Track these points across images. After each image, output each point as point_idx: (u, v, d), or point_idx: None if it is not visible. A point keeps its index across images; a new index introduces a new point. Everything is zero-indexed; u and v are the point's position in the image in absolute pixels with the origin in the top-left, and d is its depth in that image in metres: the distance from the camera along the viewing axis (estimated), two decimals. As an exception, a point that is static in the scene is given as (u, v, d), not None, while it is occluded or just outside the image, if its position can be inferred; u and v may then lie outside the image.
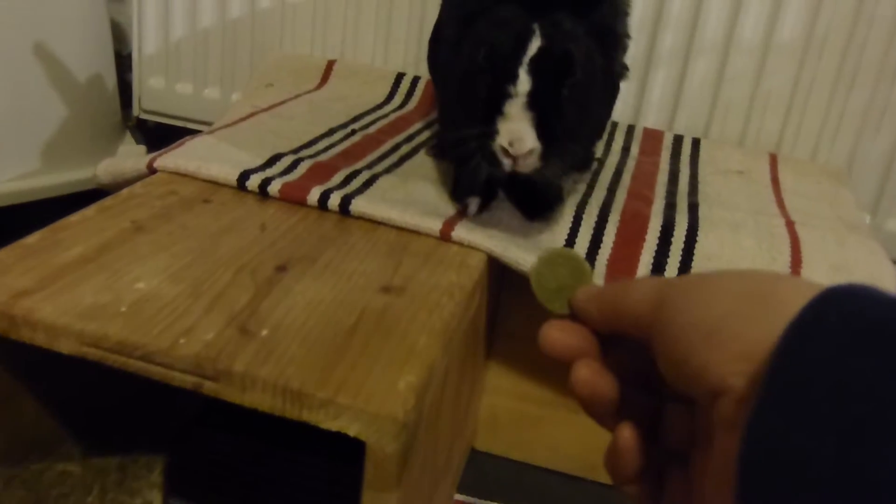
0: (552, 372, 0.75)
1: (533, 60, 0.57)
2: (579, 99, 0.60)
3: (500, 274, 0.69)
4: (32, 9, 0.96)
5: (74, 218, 0.60)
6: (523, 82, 0.57)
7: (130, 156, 1.07)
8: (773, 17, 0.96)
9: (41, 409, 0.57)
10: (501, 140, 0.58)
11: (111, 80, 1.10)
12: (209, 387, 0.45)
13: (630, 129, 0.99)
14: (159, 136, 1.19)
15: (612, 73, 0.71)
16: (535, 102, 0.57)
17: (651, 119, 1.02)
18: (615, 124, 0.99)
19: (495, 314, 0.75)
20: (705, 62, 0.99)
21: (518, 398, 0.78)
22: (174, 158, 0.71)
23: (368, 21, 1.07)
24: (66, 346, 0.47)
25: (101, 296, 0.50)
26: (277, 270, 0.56)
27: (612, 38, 0.70)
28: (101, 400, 0.62)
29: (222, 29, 1.11)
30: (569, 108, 0.59)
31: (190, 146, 0.74)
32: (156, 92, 1.16)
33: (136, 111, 1.17)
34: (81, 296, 0.50)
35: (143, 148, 1.12)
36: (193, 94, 1.15)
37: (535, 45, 0.58)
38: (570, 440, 0.78)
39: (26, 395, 0.56)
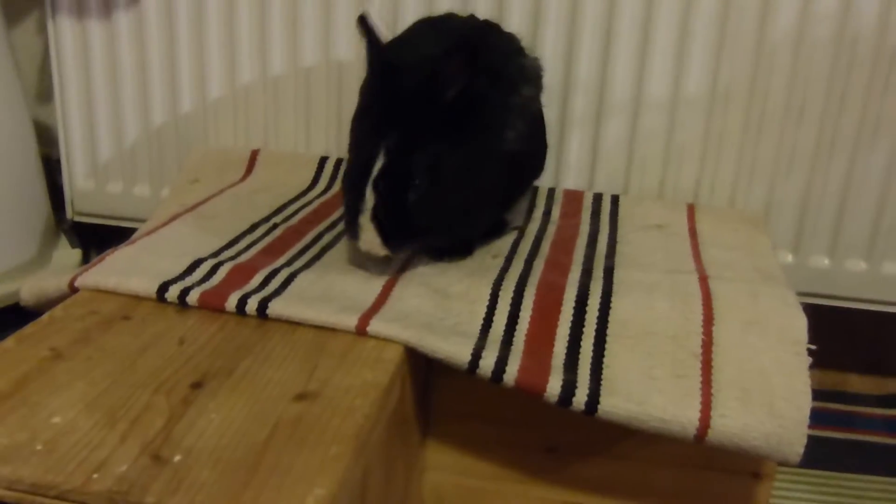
0: (493, 446, 0.78)
1: (375, 179, 0.72)
2: (433, 196, 0.73)
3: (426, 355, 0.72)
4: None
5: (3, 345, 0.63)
6: (369, 199, 0.72)
7: (63, 262, 1.10)
8: (677, 73, 1.02)
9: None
10: (361, 245, 0.75)
11: (40, 185, 1.13)
12: (124, 521, 0.48)
13: (551, 192, 1.04)
14: (95, 236, 1.21)
15: (494, 146, 0.80)
16: (380, 214, 0.72)
17: (571, 180, 1.07)
18: (536, 189, 1.04)
19: (428, 394, 0.78)
20: (617, 121, 1.04)
21: (460, 473, 0.81)
22: (94, 276, 0.74)
23: (288, 108, 1.11)
24: (-22, 492, 0.49)
25: (17, 435, 0.52)
26: (193, 387, 0.59)
27: (496, 110, 0.79)
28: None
29: (146, 128, 1.15)
30: (418, 210, 0.73)
31: (109, 261, 0.77)
32: (87, 193, 1.19)
33: (69, 214, 1.20)
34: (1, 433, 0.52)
35: (78, 252, 1.15)
36: (123, 194, 1.18)
37: (378, 164, 0.72)
38: (515, 510, 0.81)
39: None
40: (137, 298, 0.72)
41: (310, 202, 0.98)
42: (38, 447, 0.51)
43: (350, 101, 0.91)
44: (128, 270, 0.75)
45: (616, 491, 0.77)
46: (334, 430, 0.55)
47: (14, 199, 1.08)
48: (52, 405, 0.56)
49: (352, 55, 1.06)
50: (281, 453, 0.52)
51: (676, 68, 1.01)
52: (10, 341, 0.65)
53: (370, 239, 0.74)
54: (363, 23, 0.76)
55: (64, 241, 1.17)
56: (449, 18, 0.91)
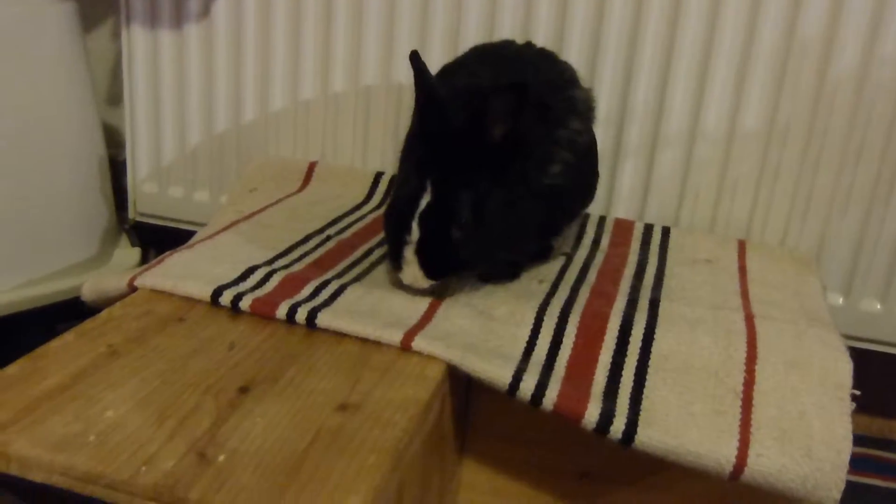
0: (527, 468, 0.79)
1: (421, 214, 0.75)
2: (476, 233, 0.75)
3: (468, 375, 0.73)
4: (25, 116, 1.04)
5: (54, 344, 0.66)
6: (414, 233, 0.75)
7: (123, 260, 1.14)
8: (735, 106, 1.02)
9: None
10: (403, 278, 0.77)
11: (106, 185, 1.17)
12: (169, 514, 0.50)
13: (601, 221, 1.05)
14: (154, 237, 1.26)
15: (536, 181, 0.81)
16: (425, 248, 0.75)
17: (622, 209, 1.07)
18: (587, 216, 1.05)
19: (466, 413, 0.79)
20: (672, 152, 1.05)
21: (494, 494, 0.82)
22: (152, 277, 0.77)
23: (347, 124, 1.14)
24: (37, 476, 0.52)
25: (72, 426, 0.55)
26: (240, 392, 0.61)
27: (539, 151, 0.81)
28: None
29: (209, 136, 1.19)
30: (461, 246, 0.75)
31: (167, 264, 0.80)
32: (149, 196, 1.23)
33: (131, 214, 1.24)
34: (53, 427, 0.55)
35: (137, 251, 1.19)
36: (183, 198, 1.22)
37: (424, 200, 0.75)
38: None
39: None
40: (192, 301, 0.75)
41: (363, 216, 1.01)
42: (91, 438, 0.54)
43: (406, 121, 0.94)
44: (185, 274, 0.78)
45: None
46: (373, 441, 0.57)
47: (80, 197, 1.13)
48: (106, 399, 0.59)
49: (410, 79, 1.09)
50: (320, 461, 0.54)
51: (735, 102, 1.02)
52: (70, 335, 0.68)
53: (413, 272, 0.77)
54: (414, 59, 0.78)
55: (125, 241, 1.21)
56: (504, 47, 0.92)
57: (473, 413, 0.80)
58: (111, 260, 1.17)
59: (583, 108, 0.88)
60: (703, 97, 1.02)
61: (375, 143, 1.14)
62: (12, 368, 0.62)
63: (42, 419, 0.56)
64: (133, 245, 1.22)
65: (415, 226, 0.75)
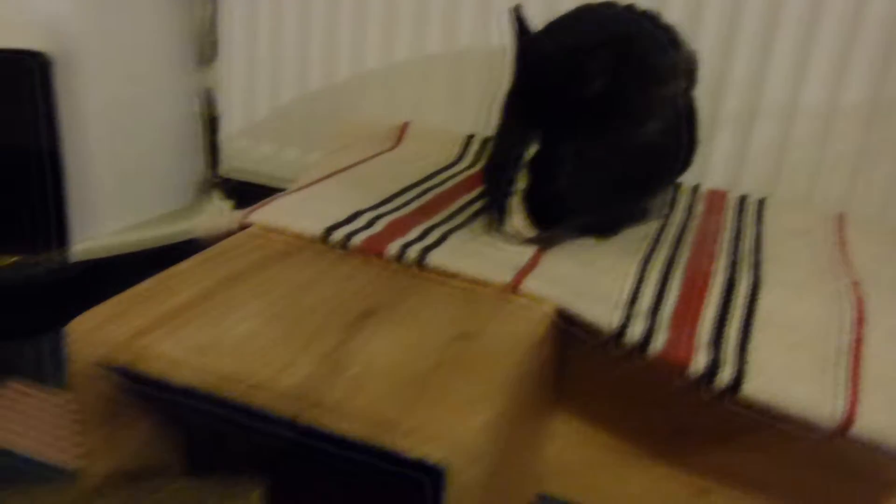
0: (621, 420, 0.81)
1: (527, 164, 0.76)
2: (578, 183, 0.77)
3: (567, 325, 0.75)
4: (128, 71, 1.08)
5: (181, 267, 0.70)
6: (519, 183, 0.76)
7: (219, 211, 1.18)
8: (838, 80, 1.02)
9: (153, 434, 0.65)
10: (507, 229, 0.79)
11: (200, 140, 1.21)
12: (308, 415, 0.53)
13: (694, 190, 1.06)
14: (242, 192, 1.29)
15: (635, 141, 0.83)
16: (530, 197, 0.76)
17: (716, 180, 1.08)
18: (679, 185, 1.06)
19: (563, 363, 0.81)
20: (770, 124, 1.05)
21: (585, 446, 0.84)
22: (264, 215, 0.80)
23: (440, 85, 1.17)
24: (182, 377, 0.55)
25: (209, 335, 0.58)
26: (362, 316, 0.64)
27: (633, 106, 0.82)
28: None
29: (302, 95, 1.22)
30: (565, 195, 0.77)
31: (278, 203, 0.83)
32: (240, 151, 1.27)
33: (222, 169, 1.28)
34: (193, 334, 0.58)
35: (230, 203, 1.23)
36: (274, 155, 1.26)
37: (529, 150, 0.76)
38: (639, 488, 0.83)
39: (141, 421, 0.64)
40: (302, 238, 0.78)
41: (456, 175, 1.03)
42: (228, 346, 0.57)
43: (501, 85, 0.95)
44: (295, 213, 0.81)
45: (737, 481, 0.78)
46: (493, 368, 0.59)
47: (176, 150, 1.17)
48: (236, 315, 0.62)
49: (505, 41, 1.11)
50: (445, 380, 0.56)
51: (838, 75, 1.02)
52: (191, 262, 0.71)
53: (518, 222, 0.78)
54: (515, 13, 0.80)
55: (216, 194, 1.25)
56: (607, 6, 0.94)
57: (567, 365, 0.81)
58: (202, 212, 1.20)
59: (685, 70, 0.90)
60: (804, 69, 1.02)
61: (468, 106, 1.16)
62: (145, 285, 0.66)
63: (180, 327, 0.59)
64: (224, 199, 1.26)
65: (520, 176, 0.77)
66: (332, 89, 1.21)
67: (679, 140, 0.91)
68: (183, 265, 0.70)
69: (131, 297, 0.63)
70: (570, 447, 0.84)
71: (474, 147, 1.12)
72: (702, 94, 1.01)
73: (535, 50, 0.80)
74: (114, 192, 1.09)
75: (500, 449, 0.56)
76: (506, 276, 0.72)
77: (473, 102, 1.16)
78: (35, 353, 1.08)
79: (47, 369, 1.05)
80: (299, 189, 0.90)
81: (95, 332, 0.58)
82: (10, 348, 1.07)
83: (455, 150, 1.12)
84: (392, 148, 1.12)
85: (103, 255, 1.09)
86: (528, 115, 0.78)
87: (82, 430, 0.62)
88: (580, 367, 0.81)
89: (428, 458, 0.51)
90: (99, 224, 1.08)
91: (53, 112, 1.01)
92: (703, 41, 1.05)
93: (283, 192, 0.88)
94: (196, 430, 0.71)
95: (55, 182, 1.02)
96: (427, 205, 0.89)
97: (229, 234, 0.81)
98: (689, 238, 0.89)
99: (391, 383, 0.55)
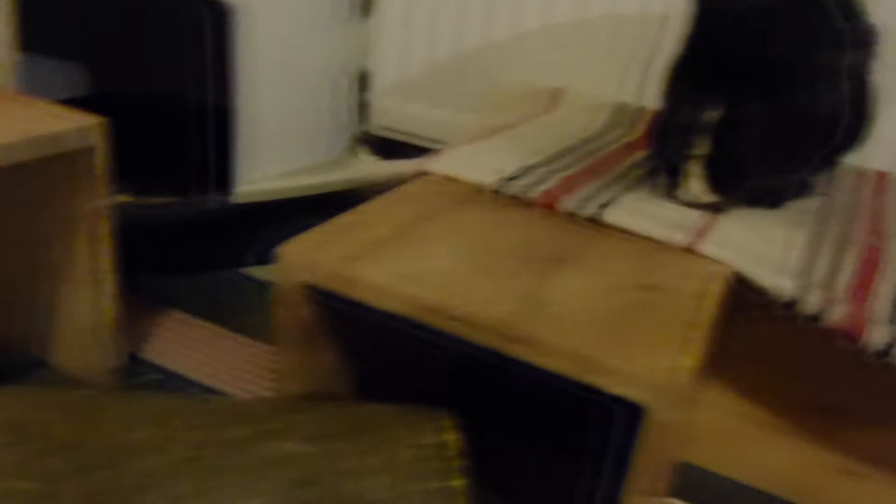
0: (771, 394, 0.82)
1: (709, 129, 0.77)
2: (756, 148, 0.78)
3: (744, 289, 0.76)
4: (293, 24, 1.13)
5: (372, 206, 0.73)
6: (700, 148, 0.78)
7: (366, 165, 1.22)
8: None
9: (335, 362, 0.69)
10: (683, 193, 0.80)
11: (351, 95, 1.25)
12: (512, 348, 0.56)
13: (860, 170, 1.04)
14: (388, 149, 1.33)
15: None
16: (712, 162, 0.78)
17: (885, 161, 1.06)
18: (844, 163, 1.04)
19: (722, 332, 0.82)
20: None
21: (740, 418, 0.85)
22: (442, 164, 0.84)
23: (596, 52, 1.18)
24: (390, 305, 0.59)
25: (413, 266, 0.62)
26: (550, 263, 0.66)
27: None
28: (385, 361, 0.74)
29: (457, 55, 1.25)
30: (745, 160, 0.79)
31: (452, 155, 0.87)
32: (389, 109, 1.31)
33: (370, 126, 1.33)
34: (397, 265, 0.62)
35: (377, 159, 1.27)
36: (422, 114, 1.29)
37: (710, 115, 0.77)
38: (783, 462, 0.84)
39: (327, 350, 0.69)
40: (477, 188, 0.81)
41: (611, 141, 1.04)
42: (432, 278, 0.60)
43: (660, 54, 0.96)
44: (469, 164, 0.84)
45: (882, 464, 0.78)
46: (682, 319, 0.61)
47: (331, 103, 1.21)
48: (433, 251, 0.65)
49: (668, 9, 1.11)
50: (641, 325, 0.58)
51: None
52: (380, 201, 0.75)
53: (697, 186, 0.80)
54: None
55: (365, 149, 1.29)
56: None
57: (726, 335, 0.82)
58: (351, 166, 1.25)
59: (864, 42, 0.88)
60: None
61: (622, 73, 1.17)
62: (343, 219, 0.70)
63: (384, 258, 0.63)
64: (370, 154, 1.30)
65: (699, 141, 0.78)
66: (487, 50, 1.23)
67: (854, 112, 0.90)
68: (373, 204, 0.74)
69: (332, 228, 0.67)
70: (723, 419, 0.85)
71: (628, 115, 1.13)
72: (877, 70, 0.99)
73: (719, 12, 0.80)
74: (275, 140, 1.14)
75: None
76: (681, 237, 0.74)
77: (628, 70, 1.16)
78: (196, 286, 1.15)
79: (205, 302, 1.11)
80: (467, 143, 0.93)
81: (304, 258, 0.62)
82: (174, 281, 1.14)
83: (609, 118, 1.13)
84: (545, 112, 1.14)
85: (262, 198, 1.14)
86: (708, 79, 0.79)
87: (279, 350, 0.66)
88: (738, 337, 0.82)
89: (629, 396, 0.53)
90: (260, 169, 1.14)
91: (226, 59, 1.06)
92: (883, 13, 1.02)
93: (452, 145, 0.91)
94: (374, 361, 0.75)
95: (225, 127, 1.08)
96: (592, 166, 0.91)
97: (401, 181, 0.85)
98: (858, 216, 0.89)
99: (589, 324, 0.57)
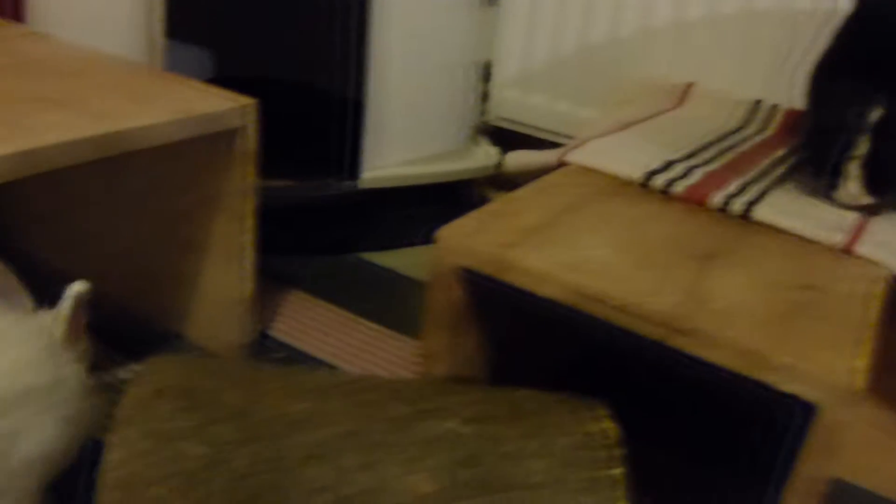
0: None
1: (871, 128, 0.75)
2: None
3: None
4: (425, 11, 1.14)
5: (518, 194, 0.74)
6: (860, 148, 0.76)
7: (486, 156, 1.23)
8: None
9: (478, 347, 0.70)
10: (839, 194, 0.78)
11: (473, 86, 1.26)
12: (677, 340, 0.55)
13: None
14: (506, 141, 1.34)
15: None
16: (873, 162, 0.76)
17: None
18: None
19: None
20: None
21: (872, 425, 0.82)
22: (582, 155, 0.83)
23: (728, 47, 1.16)
24: (548, 291, 0.59)
25: (571, 254, 0.62)
26: (705, 257, 0.66)
27: None
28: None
29: (582, 48, 1.24)
30: None
31: (592, 146, 0.86)
32: (510, 100, 1.31)
33: (490, 116, 1.33)
34: (555, 252, 0.62)
35: (497, 150, 1.27)
36: (544, 106, 1.29)
37: (874, 113, 0.75)
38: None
39: (472, 334, 0.69)
40: (620, 180, 0.81)
41: (747, 139, 1.02)
42: (592, 267, 0.61)
43: (798, 50, 0.94)
44: (610, 156, 0.84)
45: None
46: (850, 320, 0.59)
47: (457, 92, 1.22)
48: (587, 241, 0.65)
49: (809, 4, 1.08)
50: (806, 324, 0.57)
51: None
52: (525, 190, 0.75)
53: (854, 188, 0.77)
54: None
55: (484, 140, 1.30)
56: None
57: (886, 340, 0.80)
58: (472, 155, 1.26)
59: None
60: None
61: (757, 71, 1.15)
62: (493, 206, 0.70)
63: (541, 246, 0.63)
64: (491, 145, 1.30)
65: (860, 141, 0.76)
66: (615, 43, 1.22)
67: None
68: (519, 192, 0.74)
69: (484, 215, 0.68)
70: (880, 436, 0.82)
71: (761, 113, 1.11)
72: None
73: (882, 8, 0.78)
74: (402, 127, 1.16)
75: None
76: (836, 237, 0.72)
77: (764, 66, 1.14)
78: (315, 269, 1.17)
79: (324, 285, 1.14)
80: (603, 136, 0.93)
81: (462, 243, 0.63)
82: (293, 262, 1.17)
83: (741, 115, 1.11)
84: (675, 107, 1.13)
85: (386, 184, 1.16)
86: (869, 78, 0.77)
87: (428, 332, 0.67)
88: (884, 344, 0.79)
89: (802, 395, 0.52)
90: (387, 156, 1.16)
91: (364, 47, 1.08)
92: None
93: (589, 137, 0.91)
94: (513, 347, 0.76)
95: (358, 113, 1.10)
96: (734, 162, 0.89)
97: (537, 170, 0.85)
98: None
99: (754, 320, 0.56)
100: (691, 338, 0.55)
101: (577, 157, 0.83)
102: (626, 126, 0.99)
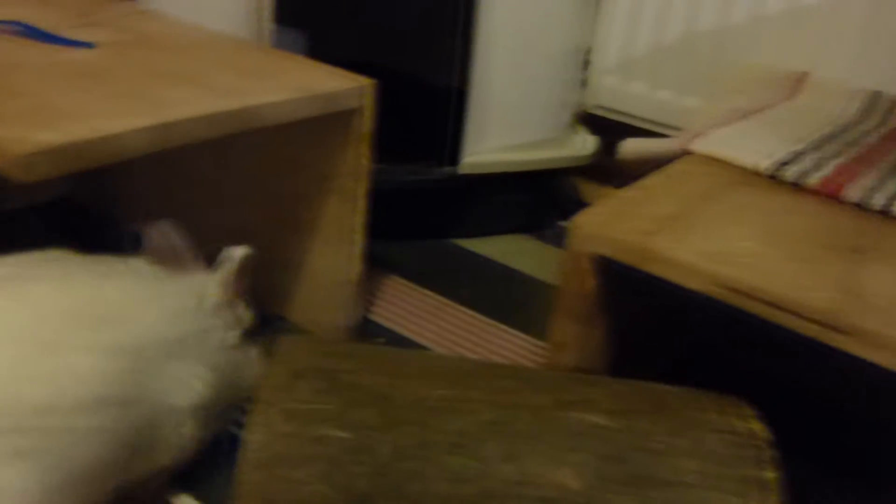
0: None
1: None
2: None
3: None
4: (526, 8, 1.12)
5: (648, 182, 0.72)
6: None
7: (584, 144, 1.21)
8: None
9: (606, 337, 0.69)
10: None
11: (574, 73, 1.24)
12: (835, 338, 0.53)
13: None
14: (602, 128, 1.31)
15: None
16: None
17: None
18: None
19: None
20: None
21: None
22: (707, 144, 0.81)
23: (846, 37, 1.11)
24: (693, 283, 0.57)
25: (714, 245, 0.60)
26: (853, 252, 0.63)
27: None
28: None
29: (688, 34, 1.21)
30: None
31: (717, 135, 0.84)
32: (609, 88, 1.29)
33: (588, 104, 1.31)
34: (700, 243, 0.60)
35: (595, 139, 1.25)
36: (644, 95, 1.26)
37: None
38: None
39: (600, 327, 0.67)
40: (747, 171, 0.78)
41: (870, 131, 0.98)
42: (741, 260, 0.58)
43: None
44: (734, 146, 0.81)
45: None
46: None
47: (558, 80, 1.20)
48: (730, 232, 0.63)
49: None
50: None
51: None
52: (657, 177, 0.73)
53: None
54: None
55: (582, 128, 1.28)
56: None
57: None
58: (570, 143, 1.23)
59: None
60: None
61: (876, 61, 1.10)
62: (625, 193, 0.68)
63: (683, 236, 0.61)
64: (588, 133, 1.28)
65: None
66: (723, 31, 1.19)
67: None
68: (649, 180, 0.72)
69: (617, 201, 0.66)
70: None
71: (881, 105, 1.06)
72: None
73: None
74: (503, 113, 1.14)
75: None
76: None
77: (886, 56, 1.09)
78: (409, 254, 1.16)
79: (422, 269, 1.13)
80: (722, 125, 0.90)
81: (599, 230, 0.61)
82: (394, 247, 1.16)
83: (858, 107, 1.06)
84: (790, 97, 1.09)
85: (485, 170, 1.15)
86: None
87: (557, 321, 0.66)
88: None
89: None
90: (486, 142, 1.14)
91: (469, 31, 1.07)
92: None
93: (711, 126, 0.88)
94: (636, 338, 0.74)
95: (463, 101, 1.09)
96: (863, 155, 0.86)
97: (655, 159, 0.82)
98: None
99: (920, 321, 0.54)
100: (851, 336, 0.52)
101: (702, 145, 0.81)
102: (744, 116, 0.96)
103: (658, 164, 0.82)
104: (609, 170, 1.32)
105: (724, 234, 0.62)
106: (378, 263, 1.12)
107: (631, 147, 0.86)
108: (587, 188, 1.40)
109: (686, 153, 0.81)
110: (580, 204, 1.39)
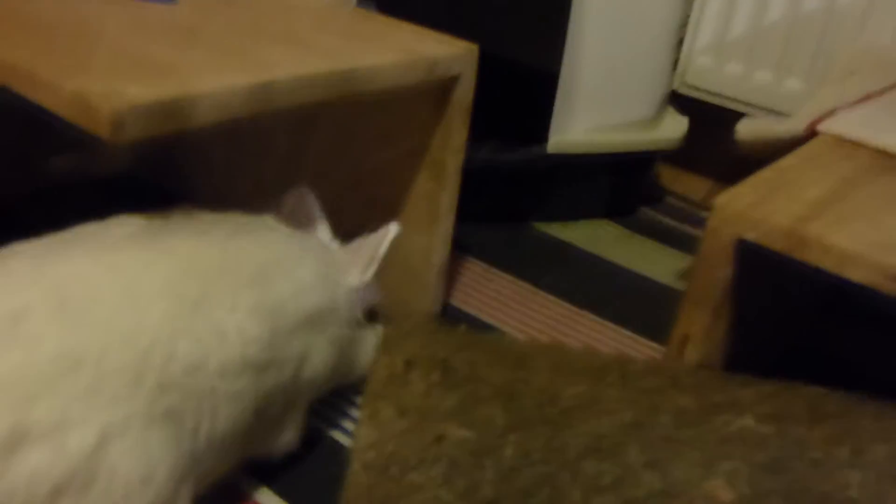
0: None
1: None
2: None
3: None
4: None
5: (786, 163, 0.65)
6: None
7: (673, 127, 1.14)
8: None
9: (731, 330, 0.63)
10: None
11: (670, 52, 1.16)
12: None
13: None
14: (691, 111, 1.24)
15: None
16: None
17: None
18: None
19: None
20: None
21: None
22: (839, 125, 0.74)
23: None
24: (855, 274, 0.51)
25: (878, 234, 0.53)
26: None
27: None
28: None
29: (792, 14, 1.13)
30: None
31: (852, 117, 0.77)
32: (702, 68, 1.21)
33: (678, 84, 1.24)
34: (859, 230, 0.53)
35: (686, 120, 1.18)
36: (741, 76, 1.19)
37: None
38: None
39: (727, 319, 0.61)
40: (886, 153, 0.71)
41: None
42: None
43: None
44: (874, 127, 0.74)
45: None
46: None
47: (650, 60, 1.13)
48: (884, 219, 0.56)
49: None
50: None
51: None
52: (793, 159, 0.67)
53: None
54: None
55: (672, 109, 1.21)
56: None
57: None
58: (660, 125, 1.17)
59: None
60: None
61: None
62: (765, 174, 0.62)
63: (840, 222, 0.55)
64: (680, 115, 1.21)
65: None
66: (830, 10, 1.11)
67: None
68: (785, 162, 0.66)
69: (759, 183, 0.60)
70: None
71: None
72: None
73: None
74: (593, 93, 1.08)
75: None
76: None
77: None
78: (494, 236, 1.11)
79: (504, 253, 1.07)
80: (849, 107, 0.83)
81: (748, 213, 0.55)
82: (474, 230, 1.10)
83: None
84: (906, 80, 1.01)
85: (572, 150, 1.08)
86: None
87: (688, 312, 0.60)
88: None
89: None
90: (575, 122, 1.08)
91: (563, 9, 1.01)
92: None
93: (840, 106, 0.81)
94: (762, 332, 0.68)
95: (553, 81, 1.03)
96: None
97: (775, 140, 0.76)
98: None
99: None
100: None
101: (833, 126, 0.74)
102: (867, 98, 0.89)
103: (776, 146, 0.76)
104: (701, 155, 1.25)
105: (888, 223, 0.56)
106: (456, 245, 1.06)
107: (749, 128, 0.79)
108: (670, 174, 1.33)
109: (812, 135, 0.74)
110: (664, 191, 1.33)
